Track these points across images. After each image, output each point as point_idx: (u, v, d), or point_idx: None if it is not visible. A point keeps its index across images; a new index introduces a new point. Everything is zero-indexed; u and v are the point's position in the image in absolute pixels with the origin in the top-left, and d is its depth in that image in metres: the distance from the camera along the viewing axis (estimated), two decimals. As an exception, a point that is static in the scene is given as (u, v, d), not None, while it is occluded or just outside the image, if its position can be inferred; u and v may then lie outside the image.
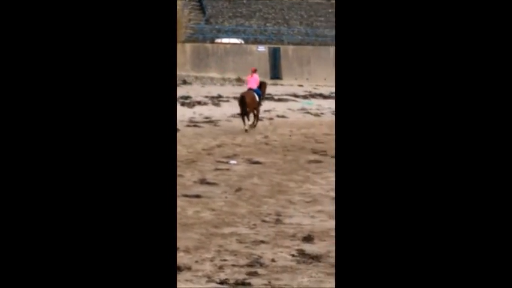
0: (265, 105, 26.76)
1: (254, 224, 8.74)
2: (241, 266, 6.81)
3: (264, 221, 8.96)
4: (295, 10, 41.62)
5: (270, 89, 31.83)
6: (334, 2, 42.09)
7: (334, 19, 41.92)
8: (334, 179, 12.20)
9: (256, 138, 18.61)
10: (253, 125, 20.00)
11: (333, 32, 41.14)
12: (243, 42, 39.61)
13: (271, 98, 27.90)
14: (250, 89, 19.77)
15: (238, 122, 21.53)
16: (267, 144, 17.59)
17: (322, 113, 26.35)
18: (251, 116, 19.96)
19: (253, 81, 19.85)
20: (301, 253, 7.37)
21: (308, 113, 26.05)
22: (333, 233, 8.28)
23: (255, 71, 20.71)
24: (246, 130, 19.43)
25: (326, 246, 7.68)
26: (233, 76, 35.29)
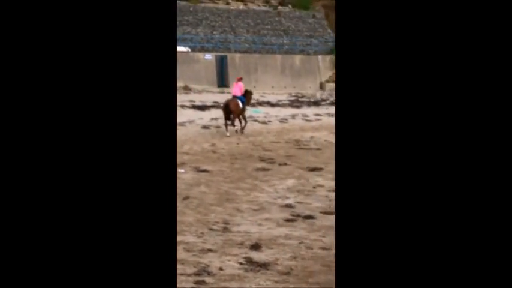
0: (212, 113, 26.69)
1: (202, 233, 8.71)
2: (189, 275, 6.78)
3: (211, 229, 8.94)
4: (242, 18, 41.75)
5: (217, 97, 31.80)
6: (280, 10, 42.40)
7: (280, 27, 42.21)
8: (281, 187, 12.28)
9: (204, 146, 18.56)
10: (242, 130, 20.71)
11: (280, 40, 41.42)
12: (189, 50, 39.50)
13: (218, 105, 27.88)
14: (234, 96, 20.61)
15: (185, 130, 21.44)
16: (214, 152, 17.56)
17: (270, 121, 26.43)
18: (237, 121, 20.72)
19: (238, 89, 20.69)
20: (249, 261, 7.37)
21: (256, 120, 26.11)
22: (281, 241, 8.32)
23: (240, 79, 21.56)
24: (236, 131, 20.39)
25: (274, 254, 7.70)
26: (180, 84, 35.14)
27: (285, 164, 15.19)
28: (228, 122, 20.47)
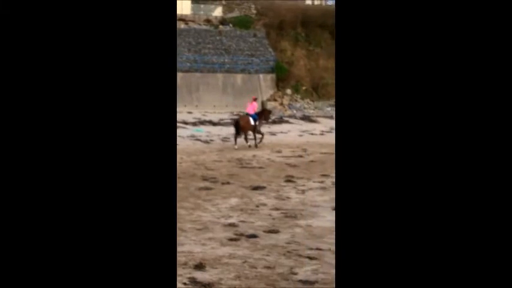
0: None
1: (145, 254, 8.62)
2: (132, 297, 6.70)
3: (154, 250, 8.85)
4: (183, 37, 41.69)
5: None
6: (221, 29, 42.54)
7: (222, 46, 42.29)
8: (224, 206, 12.27)
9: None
10: (259, 141, 22.63)
11: (221, 59, 41.48)
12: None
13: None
14: (247, 114, 22.72)
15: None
16: (156, 171, 17.41)
17: (212, 140, 26.43)
18: (250, 136, 22.75)
19: (251, 108, 22.84)
20: (193, 281, 7.34)
21: (198, 140, 26.06)
22: (225, 260, 8.31)
23: (255, 99, 24.09)
24: (249, 146, 22.11)
25: (217, 274, 7.69)
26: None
27: (228, 183, 15.21)
28: (238, 137, 22.35)
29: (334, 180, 15.63)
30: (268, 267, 8.10)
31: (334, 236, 10.05)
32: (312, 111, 35.94)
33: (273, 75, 40.76)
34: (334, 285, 7.66)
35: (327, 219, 11.32)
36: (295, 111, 35.95)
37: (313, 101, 39.19)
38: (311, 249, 9.19)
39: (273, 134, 26.79)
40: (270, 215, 11.55)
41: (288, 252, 8.97)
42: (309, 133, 28.50)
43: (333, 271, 8.16)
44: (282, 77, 40.19)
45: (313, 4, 46.61)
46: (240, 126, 22.25)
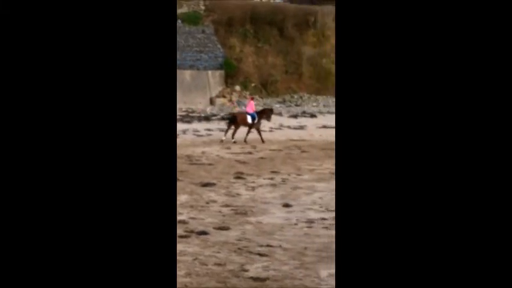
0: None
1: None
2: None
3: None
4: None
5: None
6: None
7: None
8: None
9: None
10: (262, 140, 23.07)
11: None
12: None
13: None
14: (246, 113, 23.47)
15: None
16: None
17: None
18: (248, 131, 23.26)
19: (249, 107, 23.71)
20: None
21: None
22: (175, 258, 8.26)
23: (252, 98, 25.82)
24: (221, 140, 22.67)
25: None
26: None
27: (178, 179, 15.12)
28: (230, 130, 22.95)
29: (283, 177, 15.71)
30: (219, 264, 8.09)
31: (284, 233, 10.13)
32: (260, 108, 36.06)
33: (222, 72, 40.70)
34: (284, 282, 7.71)
35: (277, 216, 11.37)
36: (244, 108, 35.96)
37: (262, 97, 39.27)
38: (261, 246, 9.21)
39: (222, 130, 26.74)
40: (220, 211, 11.53)
41: (239, 249, 8.98)
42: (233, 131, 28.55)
43: (284, 268, 8.21)
44: (231, 74, 40.17)
45: (261, 1, 46.70)
46: (236, 121, 23.01)
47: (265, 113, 23.75)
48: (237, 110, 24.62)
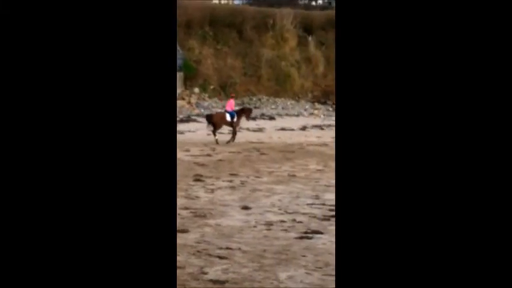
0: None
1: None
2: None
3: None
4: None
5: None
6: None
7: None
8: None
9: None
10: (232, 140, 23.25)
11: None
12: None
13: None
14: (225, 111, 23.69)
15: None
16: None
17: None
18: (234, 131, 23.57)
19: (229, 105, 23.89)
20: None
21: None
22: None
23: (232, 97, 25.83)
24: (216, 142, 22.81)
25: None
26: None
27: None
28: (214, 130, 23.27)
29: (242, 179, 15.75)
30: (178, 267, 8.08)
31: (243, 235, 10.16)
32: (219, 110, 36.03)
33: (181, 74, 40.57)
34: (244, 284, 7.74)
35: (236, 218, 11.40)
36: (203, 110, 35.91)
37: (221, 100, 39.27)
38: (221, 248, 9.23)
39: (181, 132, 26.67)
40: (179, 214, 11.51)
41: (198, 251, 8.98)
42: (217, 132, 28.58)
43: (243, 270, 8.24)
44: (190, 76, 40.08)
45: (220, 3, 46.71)
46: (212, 121, 23.16)
47: (244, 112, 23.92)
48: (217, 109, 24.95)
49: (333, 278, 8.07)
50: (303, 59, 41.26)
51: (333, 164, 18.72)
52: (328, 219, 11.51)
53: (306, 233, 10.44)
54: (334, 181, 13.43)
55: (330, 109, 36.07)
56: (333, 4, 46.39)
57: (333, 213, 12.05)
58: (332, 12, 42.06)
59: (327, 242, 9.93)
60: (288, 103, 37.77)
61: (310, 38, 39.69)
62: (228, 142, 23.16)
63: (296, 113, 36.35)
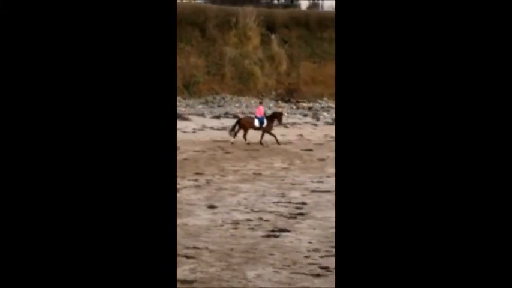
0: None
1: None
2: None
3: None
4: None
5: None
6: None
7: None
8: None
9: None
10: (260, 142, 23.19)
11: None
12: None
13: None
14: (256, 116, 24.04)
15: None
16: None
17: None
18: (262, 134, 23.50)
19: (258, 111, 24.33)
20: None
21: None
22: None
23: (260, 103, 26.60)
24: (232, 143, 22.95)
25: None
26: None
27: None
28: (235, 132, 23.37)
29: (208, 178, 15.71)
30: (145, 268, 8.02)
31: (210, 235, 10.13)
32: (183, 109, 35.84)
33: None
34: (212, 284, 7.72)
35: (203, 218, 11.37)
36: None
37: (184, 98, 39.14)
38: (188, 248, 9.20)
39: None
40: (145, 214, 11.43)
41: (165, 252, 8.93)
42: (181, 131, 28.43)
43: (211, 269, 8.22)
44: (153, 75, 39.85)
45: (182, 2, 46.54)
46: (240, 124, 23.61)
47: (276, 117, 24.29)
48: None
49: (301, 276, 8.12)
50: (266, 57, 41.36)
51: (298, 162, 18.81)
52: (295, 217, 11.55)
53: (272, 231, 10.46)
54: (299, 179, 13.58)
55: (294, 107, 36.21)
56: (295, 2, 46.59)
57: (299, 211, 12.12)
58: (295, 10, 42.25)
59: (294, 240, 9.96)
60: (252, 101, 37.78)
61: (273, 36, 39.78)
62: (260, 142, 23.39)
63: (260, 111, 36.41)
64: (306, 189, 14.32)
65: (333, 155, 20.38)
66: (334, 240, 9.92)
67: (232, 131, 23.61)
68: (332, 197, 13.61)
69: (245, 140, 23.22)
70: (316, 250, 9.43)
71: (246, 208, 12.27)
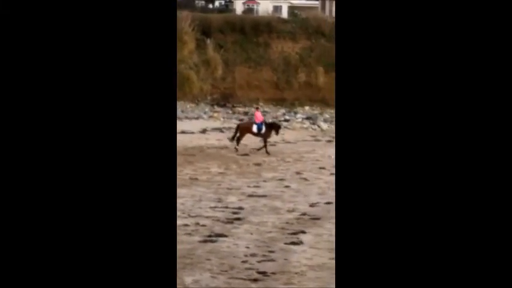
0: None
1: None
2: None
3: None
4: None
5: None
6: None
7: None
8: None
9: None
10: (262, 149, 22.62)
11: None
12: None
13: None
14: (254, 122, 23.60)
15: None
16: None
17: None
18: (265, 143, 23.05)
19: (257, 117, 23.94)
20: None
21: None
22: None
23: (257, 108, 25.87)
24: (236, 149, 22.39)
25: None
26: None
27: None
28: (236, 138, 22.90)
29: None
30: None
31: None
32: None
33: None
34: None
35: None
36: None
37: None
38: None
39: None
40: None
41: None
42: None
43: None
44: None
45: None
46: (239, 129, 23.26)
47: (273, 128, 23.76)
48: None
49: (239, 281, 8.14)
50: (202, 62, 41.27)
51: (234, 167, 18.82)
52: (232, 222, 11.56)
53: (209, 236, 10.45)
54: (235, 184, 13.57)
55: (230, 112, 36.25)
56: (231, 7, 46.66)
57: (236, 215, 12.13)
58: (230, 15, 42.34)
59: (231, 245, 9.98)
60: (188, 106, 37.63)
61: (208, 41, 39.74)
62: (258, 150, 22.73)
63: (196, 116, 36.30)
64: (243, 194, 14.36)
65: (268, 159, 20.52)
66: (270, 245, 10.05)
67: (233, 138, 22.91)
68: (268, 201, 13.70)
69: (237, 144, 22.69)
70: (253, 255, 9.47)
71: (183, 213, 12.21)
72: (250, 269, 8.72)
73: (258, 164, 19.30)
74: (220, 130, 27.22)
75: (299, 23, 39.21)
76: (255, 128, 23.09)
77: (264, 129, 22.94)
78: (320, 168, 18.73)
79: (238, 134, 22.92)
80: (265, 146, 22.77)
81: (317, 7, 44.82)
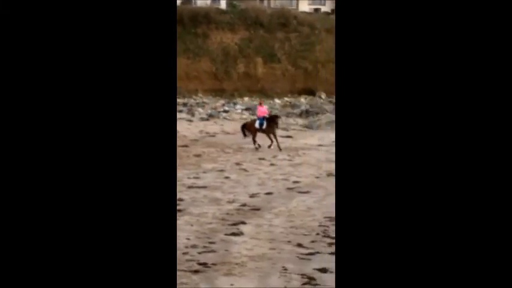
0: None
1: None
2: None
3: None
4: None
5: None
6: None
7: None
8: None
9: None
10: (271, 146, 21.95)
11: None
12: None
13: None
14: (257, 118, 22.89)
15: None
16: None
17: None
18: (271, 140, 22.30)
19: (259, 112, 23.11)
20: None
21: None
22: None
23: (260, 103, 24.88)
24: (256, 148, 21.69)
25: None
26: None
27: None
28: (246, 137, 22.41)
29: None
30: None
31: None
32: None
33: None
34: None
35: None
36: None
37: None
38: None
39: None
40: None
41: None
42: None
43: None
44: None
45: None
46: (246, 129, 22.69)
47: (272, 120, 22.65)
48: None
49: (180, 273, 8.15)
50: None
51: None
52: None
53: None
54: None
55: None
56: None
57: (177, 207, 12.09)
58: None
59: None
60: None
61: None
62: (269, 147, 21.87)
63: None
64: (183, 185, 14.33)
65: (208, 150, 20.50)
66: (211, 236, 10.06)
67: (253, 136, 21.97)
68: (208, 192, 13.70)
69: (254, 144, 21.80)
70: (194, 246, 9.48)
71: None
72: (191, 260, 8.74)
73: (198, 155, 19.29)
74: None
75: (238, 14, 39.12)
76: (257, 124, 22.18)
77: (265, 124, 21.95)
78: (260, 159, 18.83)
79: (247, 135, 22.16)
80: (276, 141, 21.90)
81: (255, -2, 44.82)
